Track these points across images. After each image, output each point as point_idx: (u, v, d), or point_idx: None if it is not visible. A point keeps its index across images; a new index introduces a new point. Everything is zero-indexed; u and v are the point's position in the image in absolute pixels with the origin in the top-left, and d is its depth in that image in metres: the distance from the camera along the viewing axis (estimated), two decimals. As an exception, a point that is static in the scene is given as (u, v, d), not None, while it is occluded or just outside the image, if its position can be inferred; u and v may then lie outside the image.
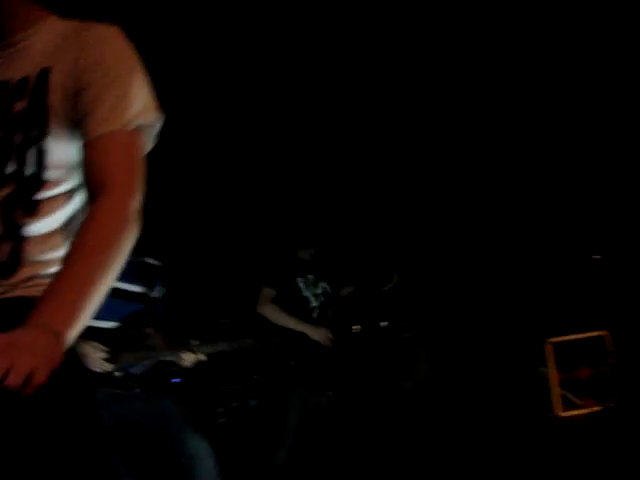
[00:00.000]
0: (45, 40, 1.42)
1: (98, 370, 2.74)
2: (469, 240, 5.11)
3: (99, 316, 1.31)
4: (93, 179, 1.36)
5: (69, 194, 1.41)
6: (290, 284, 3.88)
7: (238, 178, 4.88)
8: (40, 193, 1.37)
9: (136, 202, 1.37)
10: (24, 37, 1.42)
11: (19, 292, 1.35)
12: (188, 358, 2.93)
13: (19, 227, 1.36)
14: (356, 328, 5.44)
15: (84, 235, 1.32)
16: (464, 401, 4.84)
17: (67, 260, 1.30)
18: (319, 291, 3.98)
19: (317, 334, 3.82)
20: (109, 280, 1.30)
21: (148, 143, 1.45)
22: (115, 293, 1.47)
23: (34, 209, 1.37)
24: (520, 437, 4.20)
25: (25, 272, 1.36)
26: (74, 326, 1.25)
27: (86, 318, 1.27)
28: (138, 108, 1.39)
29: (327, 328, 3.87)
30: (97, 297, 1.29)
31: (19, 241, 1.36)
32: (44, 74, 1.38)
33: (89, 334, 1.46)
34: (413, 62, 3.50)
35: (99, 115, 1.36)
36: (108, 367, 2.77)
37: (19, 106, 1.37)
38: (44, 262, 1.38)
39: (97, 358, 2.73)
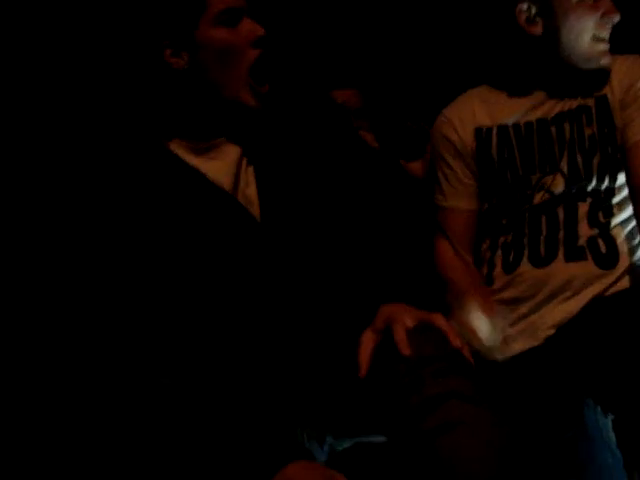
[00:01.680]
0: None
1: None
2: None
3: None
4: (632, 181, 1.60)
5: None
6: None
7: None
8: (614, 199, 1.63)
9: None
10: None
11: (621, 285, 1.62)
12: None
13: (604, 225, 1.62)
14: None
15: None
16: None
17: None
18: None
19: None
20: None
21: None
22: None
23: (611, 211, 1.63)
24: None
25: (622, 263, 1.61)
26: None
27: None
28: None
29: None
30: None
31: (608, 237, 1.62)
32: (603, 100, 1.62)
33: None
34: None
35: (636, 125, 1.58)
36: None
37: (589, 131, 1.62)
38: (630, 249, 1.64)
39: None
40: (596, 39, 1.61)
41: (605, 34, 1.61)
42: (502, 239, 1.69)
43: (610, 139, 1.62)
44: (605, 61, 1.62)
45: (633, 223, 1.64)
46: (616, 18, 1.61)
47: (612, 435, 1.53)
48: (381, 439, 1.40)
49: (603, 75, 1.64)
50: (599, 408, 1.54)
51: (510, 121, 1.68)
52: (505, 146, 1.68)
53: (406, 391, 1.21)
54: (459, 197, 1.71)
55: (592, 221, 1.63)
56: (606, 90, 1.63)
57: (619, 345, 1.50)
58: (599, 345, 1.53)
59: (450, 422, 1.18)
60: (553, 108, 1.66)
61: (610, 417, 1.54)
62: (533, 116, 1.67)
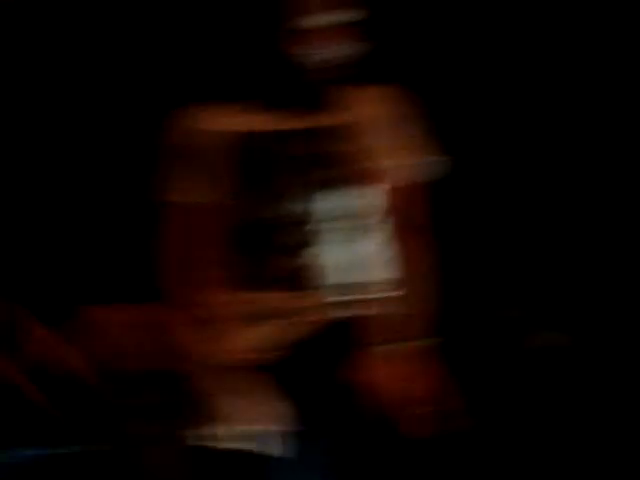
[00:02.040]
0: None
1: None
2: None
3: None
4: (393, 218, 1.68)
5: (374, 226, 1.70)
6: None
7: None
8: (330, 224, 1.65)
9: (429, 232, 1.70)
10: None
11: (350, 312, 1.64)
12: None
13: (314, 251, 1.64)
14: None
15: (406, 266, 1.66)
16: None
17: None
18: None
19: None
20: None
21: (430, 174, 1.72)
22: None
23: (325, 237, 1.64)
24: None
25: (325, 293, 1.63)
26: None
27: None
28: (417, 155, 1.69)
29: None
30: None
31: (316, 267, 1.63)
32: (346, 124, 1.69)
33: None
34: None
35: (379, 152, 1.67)
36: None
37: (323, 150, 1.67)
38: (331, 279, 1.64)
39: None
40: (305, 59, 1.66)
41: (309, 58, 1.67)
42: (222, 253, 1.69)
43: (340, 162, 1.67)
44: (316, 77, 1.66)
45: (351, 250, 1.67)
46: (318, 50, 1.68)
47: (325, 458, 1.56)
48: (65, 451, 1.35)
49: (349, 100, 1.71)
50: (310, 431, 1.56)
51: (257, 129, 1.69)
52: (246, 153, 1.70)
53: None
54: (196, 192, 1.69)
55: (302, 248, 1.65)
56: (350, 114, 1.70)
57: (328, 370, 1.57)
58: (310, 370, 1.58)
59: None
60: (296, 123, 1.69)
61: (323, 441, 1.57)
62: (277, 127, 1.69)
